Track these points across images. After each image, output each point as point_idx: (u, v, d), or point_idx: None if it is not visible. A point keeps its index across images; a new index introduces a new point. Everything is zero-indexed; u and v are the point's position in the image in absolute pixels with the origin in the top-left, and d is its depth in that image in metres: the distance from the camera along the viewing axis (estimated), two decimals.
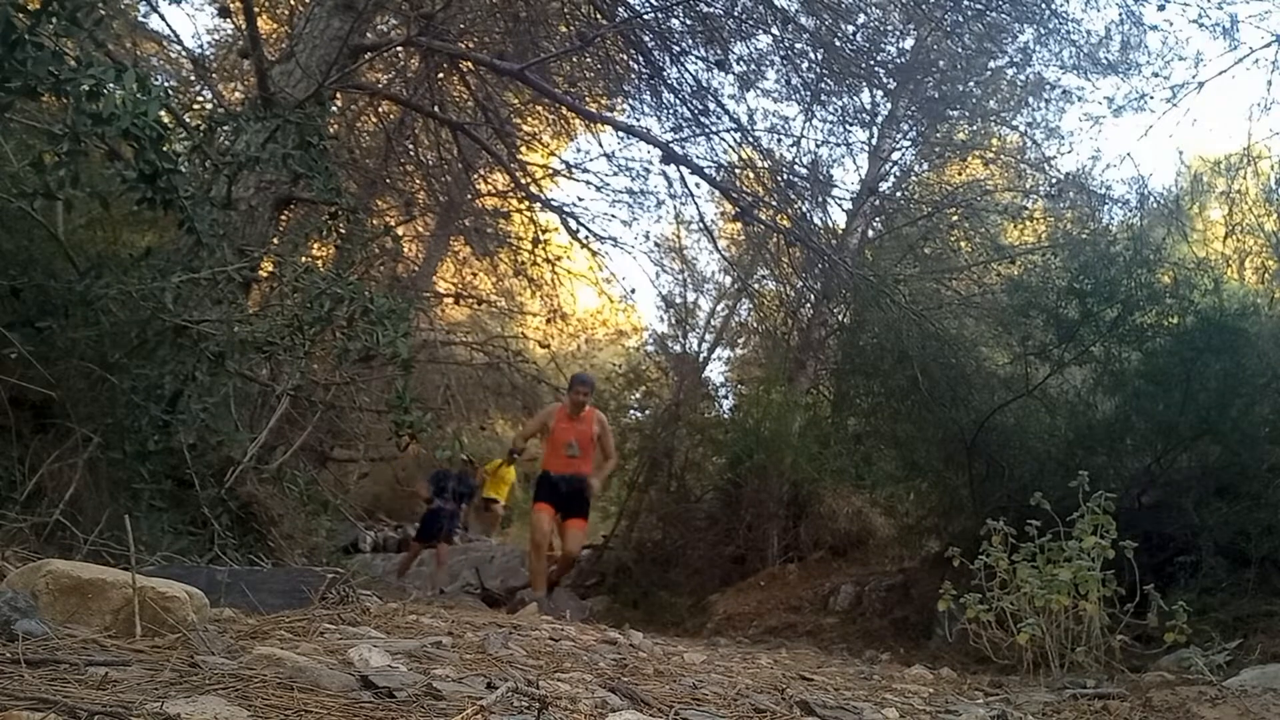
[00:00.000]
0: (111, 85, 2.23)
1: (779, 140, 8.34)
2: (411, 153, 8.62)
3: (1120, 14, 7.99)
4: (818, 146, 8.33)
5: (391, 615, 2.17)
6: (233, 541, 3.06)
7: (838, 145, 8.43)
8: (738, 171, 7.29)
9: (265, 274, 4.43)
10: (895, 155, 9.44)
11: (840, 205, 8.87)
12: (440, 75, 7.38)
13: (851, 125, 8.14)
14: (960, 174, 9.54)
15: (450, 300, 10.87)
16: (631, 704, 1.34)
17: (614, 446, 6.61)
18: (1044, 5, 7.64)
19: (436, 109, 7.25)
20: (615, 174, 9.67)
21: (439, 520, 8.89)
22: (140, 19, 7.13)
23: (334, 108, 6.57)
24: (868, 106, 8.25)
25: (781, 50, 7.13)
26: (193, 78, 7.93)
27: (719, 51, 6.78)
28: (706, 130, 7.05)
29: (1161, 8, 7.96)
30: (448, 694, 1.21)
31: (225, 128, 3.59)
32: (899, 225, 9.12)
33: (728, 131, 7.03)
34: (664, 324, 11.46)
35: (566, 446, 6.08)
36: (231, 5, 6.62)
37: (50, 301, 2.58)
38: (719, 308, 11.70)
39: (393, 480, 12.34)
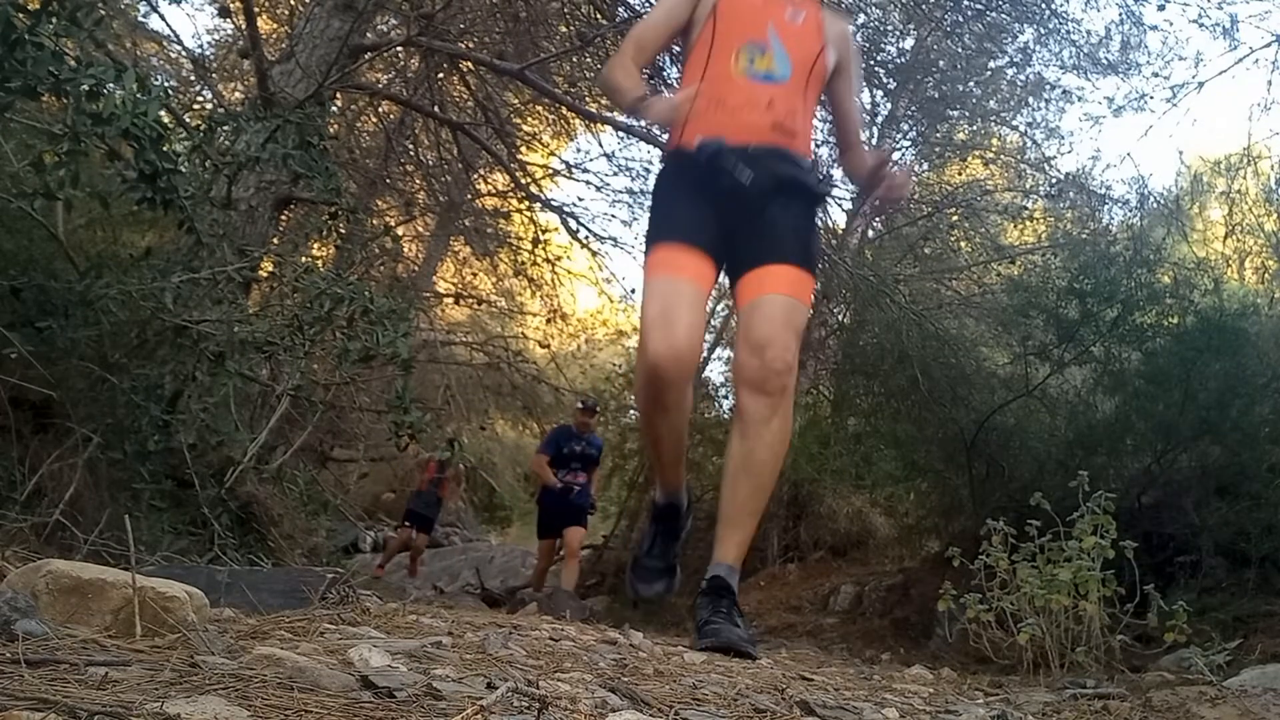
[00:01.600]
0: (111, 85, 2.23)
1: None
2: (411, 153, 8.62)
3: (1120, 14, 8.02)
4: (818, 146, 8.32)
5: (391, 615, 2.17)
6: (233, 541, 3.06)
7: (838, 145, 8.40)
8: None
9: (265, 274, 4.43)
10: (895, 155, 9.44)
11: (840, 205, 8.88)
12: (440, 75, 7.37)
13: None
14: (960, 174, 9.54)
15: (450, 300, 10.88)
16: (631, 704, 1.34)
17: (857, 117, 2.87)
18: (1044, 5, 7.64)
19: (436, 109, 7.25)
20: (615, 174, 9.66)
21: (566, 502, 6.55)
22: (140, 19, 7.13)
23: (334, 108, 6.57)
24: (868, 106, 8.25)
25: None
26: (193, 78, 7.93)
27: None
28: None
29: (1161, 8, 7.99)
30: (448, 694, 1.21)
31: (225, 128, 3.58)
32: (899, 225, 9.12)
33: None
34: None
35: (749, 54, 2.40)
36: (231, 5, 6.62)
37: (50, 301, 2.58)
38: (719, 307, 11.70)
39: (392, 480, 12.35)
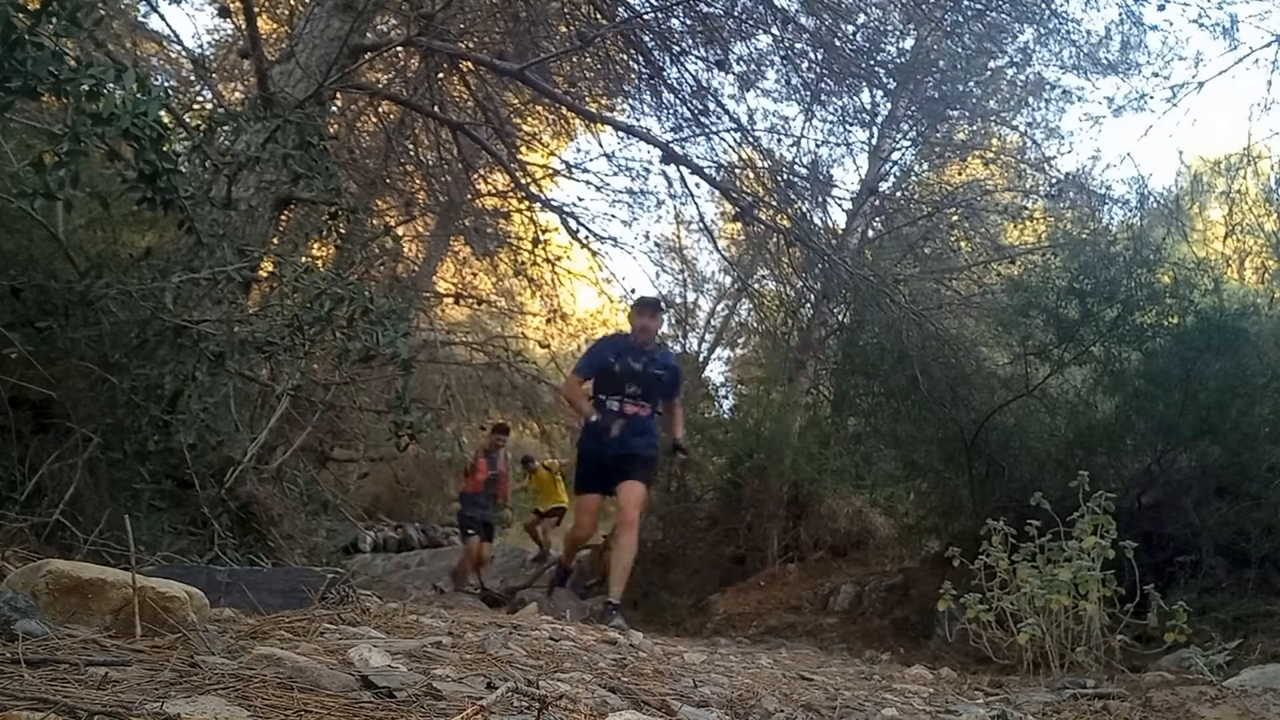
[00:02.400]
0: (111, 85, 2.23)
1: (779, 140, 8.34)
2: (411, 153, 8.61)
3: (1120, 14, 8.01)
4: (818, 146, 8.31)
5: (391, 615, 2.17)
6: (233, 541, 3.06)
7: (838, 145, 8.40)
8: (738, 171, 7.29)
9: (265, 274, 4.43)
10: (895, 155, 9.44)
11: (840, 205, 8.87)
12: (440, 75, 7.37)
13: (851, 125, 8.14)
14: (960, 174, 9.54)
15: (450, 300, 10.86)
16: (631, 704, 1.34)
17: None
18: (1044, 5, 7.64)
19: (436, 109, 7.25)
20: (615, 174, 9.69)
21: (618, 443, 4.51)
22: (140, 19, 7.14)
23: (334, 108, 6.57)
24: (868, 106, 8.24)
25: (781, 50, 7.13)
26: (193, 78, 7.93)
27: (719, 51, 6.78)
28: (706, 130, 7.06)
29: (1161, 8, 8.00)
30: (448, 694, 1.21)
31: (225, 128, 3.58)
32: (899, 225, 9.12)
33: (728, 131, 7.04)
34: (664, 324, 11.46)
35: None
36: (231, 5, 6.62)
37: (50, 301, 2.58)
38: (719, 308, 11.72)
39: (393, 480, 12.34)
